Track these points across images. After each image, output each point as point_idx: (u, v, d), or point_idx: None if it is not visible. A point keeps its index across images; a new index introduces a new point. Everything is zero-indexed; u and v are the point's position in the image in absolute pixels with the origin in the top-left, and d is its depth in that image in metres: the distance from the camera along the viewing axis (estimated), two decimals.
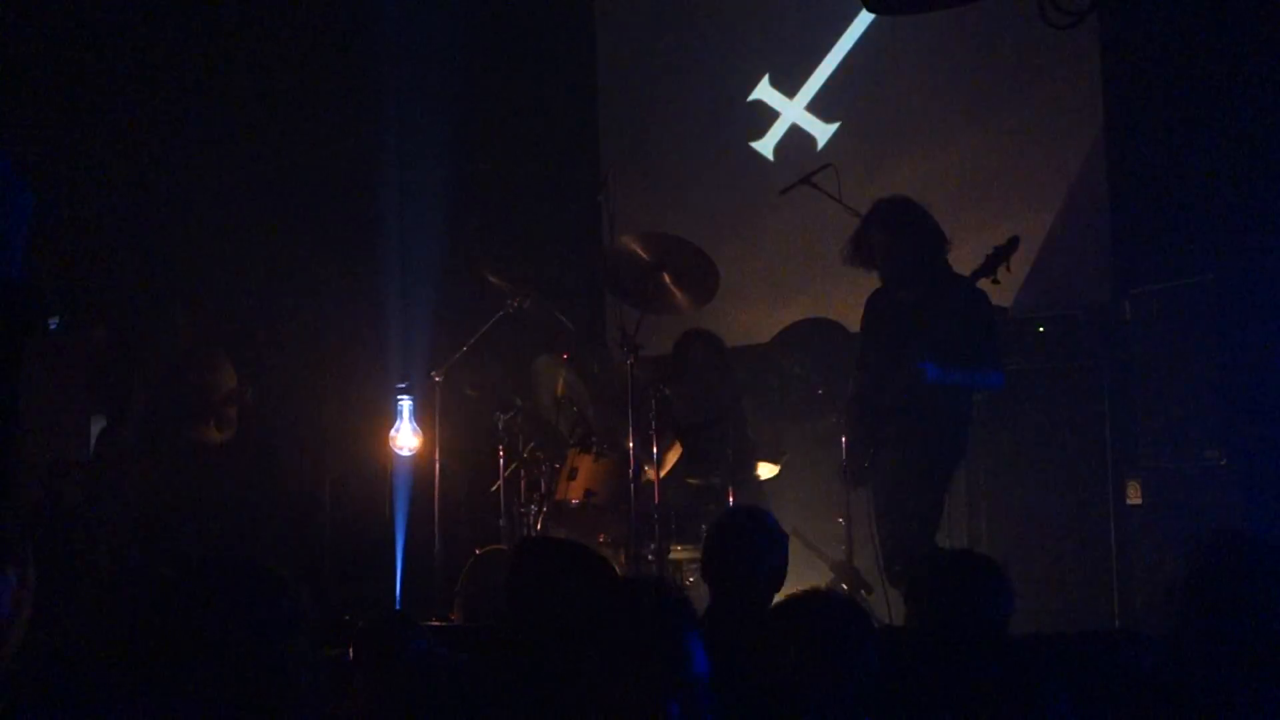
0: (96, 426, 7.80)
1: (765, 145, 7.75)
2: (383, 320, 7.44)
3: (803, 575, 6.39)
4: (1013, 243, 5.17)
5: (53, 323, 8.43)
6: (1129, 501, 6.00)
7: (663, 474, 6.25)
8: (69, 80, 8.13)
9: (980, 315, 5.32)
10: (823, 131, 7.57)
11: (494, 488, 6.61)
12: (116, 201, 8.22)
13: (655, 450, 6.10)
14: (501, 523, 6.55)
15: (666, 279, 6.21)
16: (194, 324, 7.17)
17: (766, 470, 6.41)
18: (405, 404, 6.49)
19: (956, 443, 5.38)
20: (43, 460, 7.00)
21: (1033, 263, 6.78)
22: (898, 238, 5.43)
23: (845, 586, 6.02)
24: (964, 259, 6.30)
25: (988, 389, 5.57)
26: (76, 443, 7.96)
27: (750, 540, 3.82)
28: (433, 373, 6.61)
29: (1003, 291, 6.63)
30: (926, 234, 5.43)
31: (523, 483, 6.56)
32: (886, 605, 5.55)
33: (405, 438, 6.50)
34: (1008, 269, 5.17)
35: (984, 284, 5.23)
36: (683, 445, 6.48)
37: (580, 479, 6.20)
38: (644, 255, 6.20)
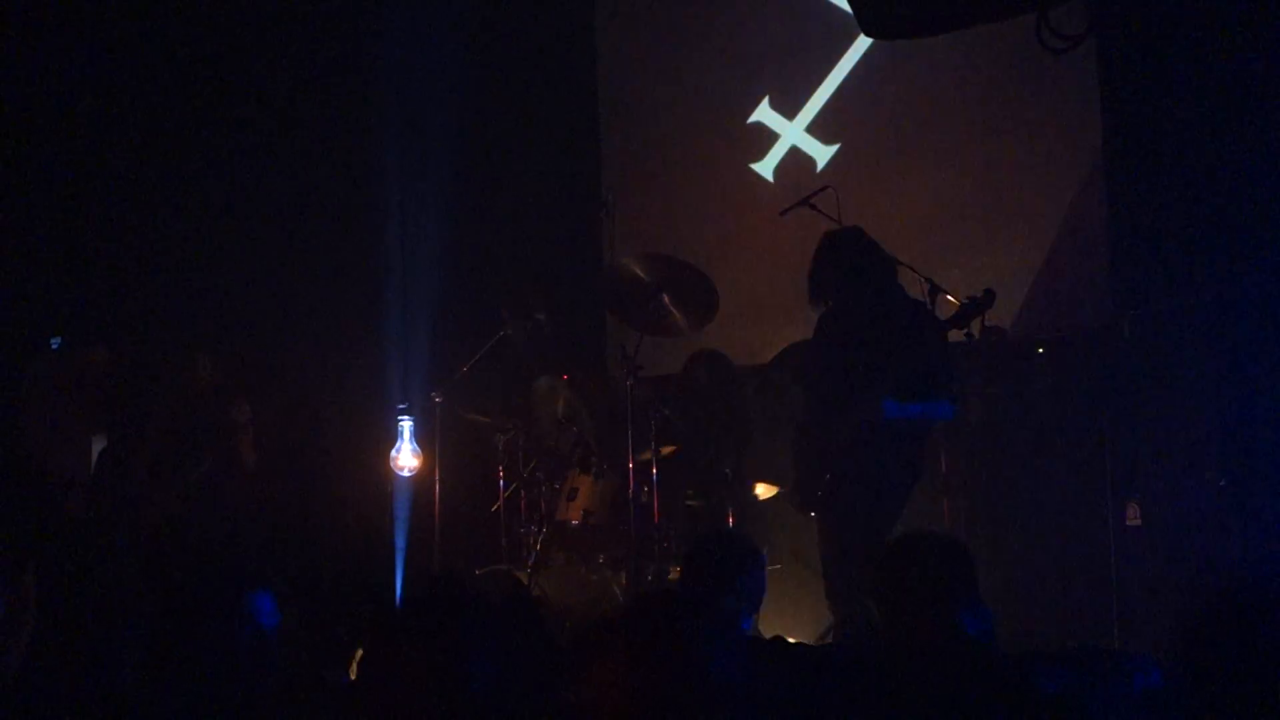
0: (97, 446, 7.82)
1: (765, 167, 7.78)
2: (383, 341, 7.46)
3: (801, 597, 6.42)
4: (989, 296, 5.19)
5: (54, 342, 8.45)
6: (1128, 522, 5.99)
7: (657, 457, 6.21)
8: (74, 104, 8.18)
9: (932, 342, 5.33)
10: (823, 153, 7.59)
11: (494, 508, 6.63)
12: (118, 224, 8.25)
13: (655, 472, 6.11)
14: (502, 543, 6.56)
15: (666, 300, 6.23)
16: (211, 360, 7.21)
17: (766, 491, 6.42)
18: (405, 425, 6.51)
19: (907, 474, 5.39)
20: (44, 477, 7.01)
21: (1031, 284, 6.81)
22: (841, 269, 5.46)
23: None
24: (962, 279, 6.35)
25: (939, 419, 5.56)
26: (77, 460, 7.98)
27: (722, 562, 3.84)
28: (433, 393, 6.63)
29: (1001, 313, 6.68)
30: (872, 263, 5.46)
31: (523, 503, 6.57)
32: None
33: (405, 458, 6.51)
34: (982, 323, 5.18)
35: (954, 333, 5.23)
36: (686, 461, 6.49)
37: (580, 499, 6.22)
38: (644, 276, 6.23)
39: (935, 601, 3.13)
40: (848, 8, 4.70)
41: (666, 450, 6.43)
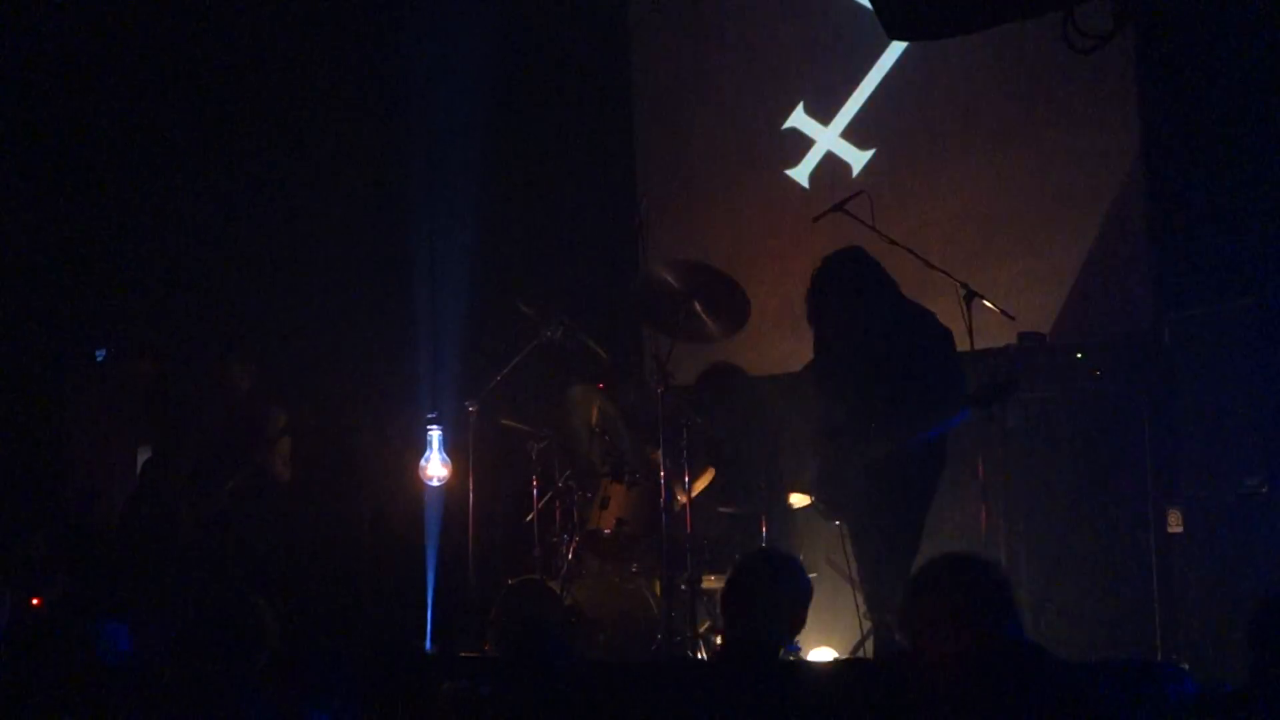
0: (143, 456, 7.90)
1: (800, 173, 7.73)
2: (414, 351, 7.46)
3: (834, 606, 6.35)
4: (1013, 384, 5.08)
5: (99, 354, 8.56)
6: (1170, 530, 5.88)
7: (694, 495, 6.22)
8: (117, 124, 8.29)
9: (946, 352, 5.27)
10: (858, 158, 7.53)
11: (529, 518, 6.61)
12: (158, 238, 8.34)
13: (687, 479, 6.08)
14: (535, 552, 6.54)
15: (698, 307, 6.19)
16: (244, 366, 7.26)
17: (798, 500, 6.36)
18: (435, 434, 6.51)
19: (933, 467, 5.31)
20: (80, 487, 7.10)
21: (1071, 288, 6.72)
22: (842, 290, 5.41)
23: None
24: (999, 284, 6.28)
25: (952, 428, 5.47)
26: (122, 471, 8.07)
27: (772, 585, 3.72)
28: (467, 403, 6.62)
29: (1040, 318, 6.60)
30: (873, 282, 5.39)
31: (557, 512, 6.55)
32: None
33: (435, 468, 6.51)
34: (1001, 407, 5.10)
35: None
36: (716, 472, 6.46)
37: (612, 508, 6.19)
38: (675, 283, 6.19)
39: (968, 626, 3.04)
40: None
41: (703, 479, 6.40)
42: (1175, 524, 5.86)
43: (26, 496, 7.95)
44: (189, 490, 7.04)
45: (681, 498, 6.09)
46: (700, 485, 6.40)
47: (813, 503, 5.67)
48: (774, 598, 3.67)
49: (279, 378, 7.31)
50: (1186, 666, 5.30)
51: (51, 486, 8.15)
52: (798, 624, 3.78)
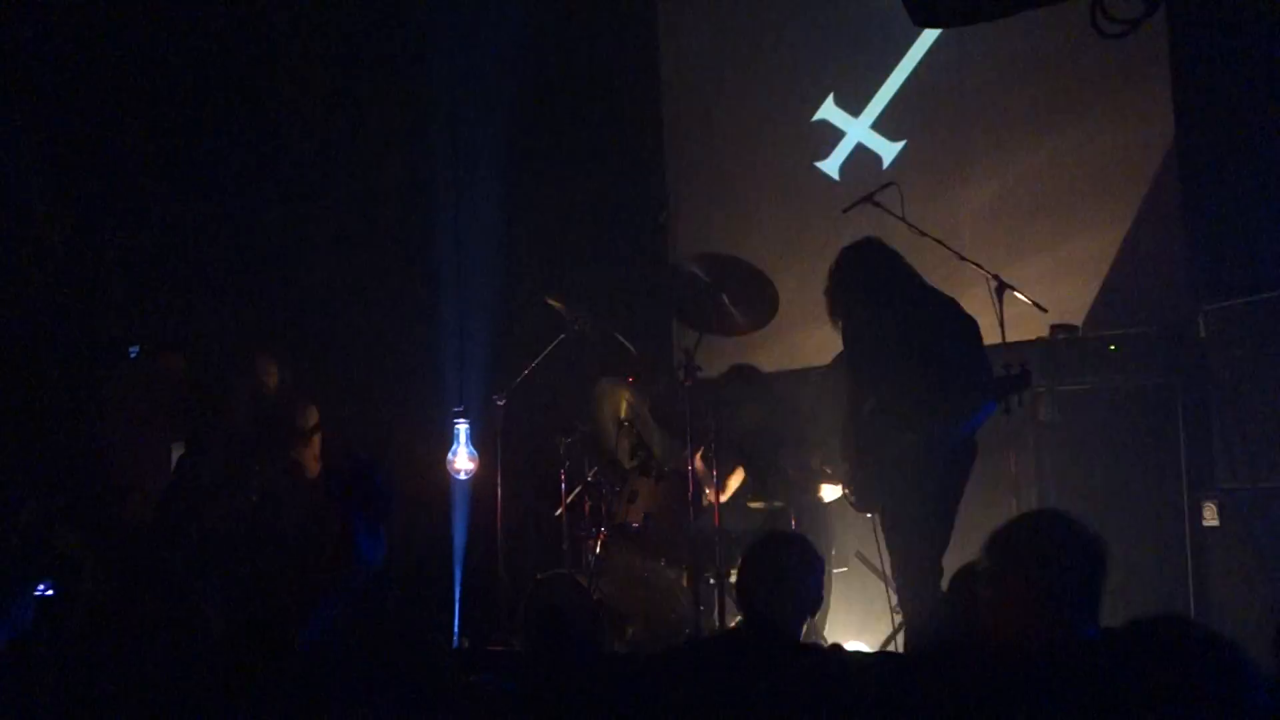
0: (177, 452, 7.93)
1: (830, 165, 7.68)
2: (442, 345, 7.46)
3: (865, 599, 6.31)
4: (1025, 375, 4.99)
5: (132, 350, 8.60)
6: (1205, 523, 5.80)
7: (724, 498, 6.20)
8: (150, 125, 8.35)
9: (970, 340, 5.19)
10: (888, 150, 7.47)
11: (558, 513, 6.59)
12: (190, 237, 8.39)
13: (715, 474, 6.05)
14: (564, 546, 6.53)
15: (725, 300, 6.16)
16: (272, 361, 7.28)
17: (830, 492, 6.31)
18: (462, 428, 6.51)
19: (965, 457, 5.23)
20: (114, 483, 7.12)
21: (1104, 279, 6.65)
22: (862, 282, 5.34)
23: None
24: (1030, 275, 6.21)
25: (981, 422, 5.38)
26: (156, 467, 8.10)
27: (782, 565, 3.75)
28: (495, 396, 6.61)
29: (1073, 309, 6.52)
30: (887, 267, 5.32)
31: (586, 506, 6.53)
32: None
33: (461, 461, 6.51)
34: (1019, 402, 5.02)
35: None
36: (746, 470, 6.43)
37: (640, 502, 6.17)
38: (703, 276, 6.16)
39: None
40: None
41: (734, 478, 6.38)
42: (1210, 517, 5.78)
43: (60, 493, 8.00)
44: (220, 486, 7.07)
45: (712, 497, 6.06)
46: (731, 485, 6.38)
47: (844, 495, 5.63)
48: (782, 571, 3.70)
49: (308, 373, 7.32)
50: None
51: (85, 483, 8.20)
52: (813, 600, 3.80)
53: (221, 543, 6.88)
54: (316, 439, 7.10)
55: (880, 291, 5.30)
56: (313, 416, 7.16)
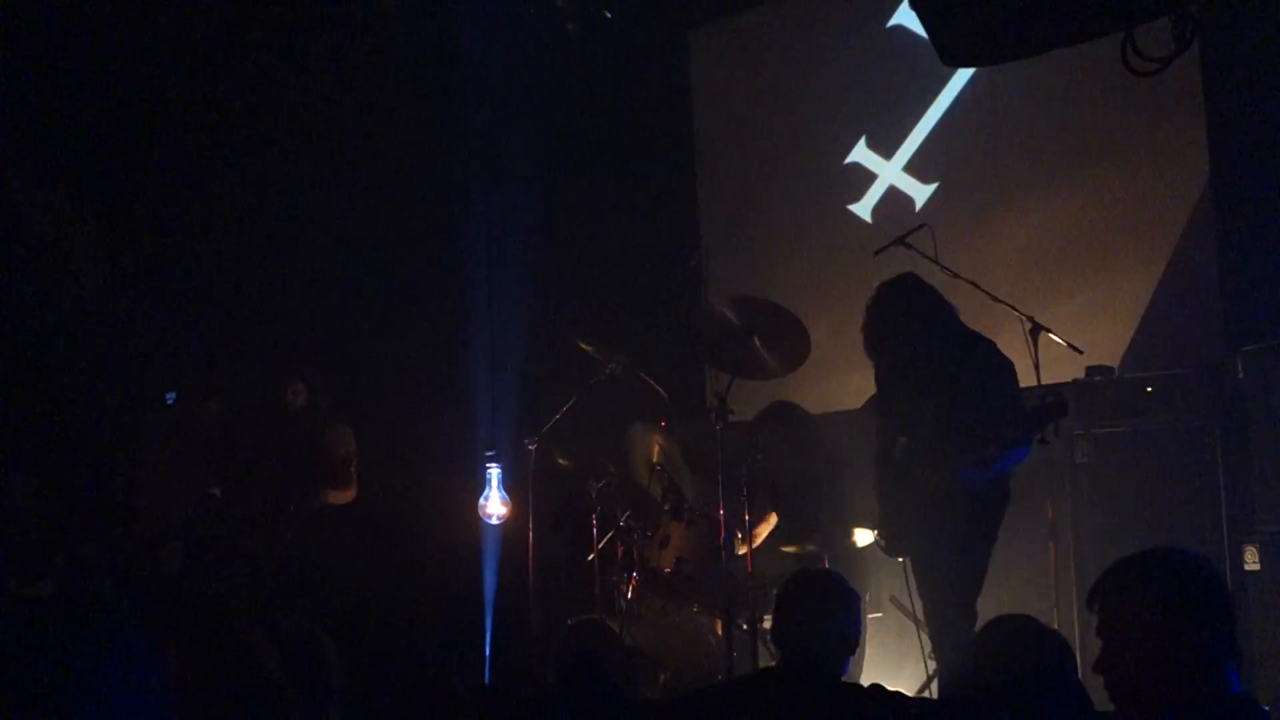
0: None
1: (863, 208, 7.67)
2: (473, 389, 7.46)
3: (900, 644, 6.23)
4: (1062, 405, 4.93)
5: (169, 397, 8.65)
6: (1246, 568, 5.69)
7: (756, 545, 6.15)
8: (188, 170, 8.43)
9: (1005, 382, 5.12)
10: (921, 192, 7.46)
11: (590, 557, 6.56)
12: (228, 280, 8.45)
13: (747, 518, 6.00)
14: (595, 591, 6.50)
15: (757, 343, 6.13)
16: (304, 386, 7.28)
17: (863, 537, 6.26)
18: (494, 472, 6.50)
19: (998, 499, 5.15)
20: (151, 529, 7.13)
21: (1140, 320, 6.58)
22: (898, 321, 5.31)
23: None
24: (1066, 317, 6.16)
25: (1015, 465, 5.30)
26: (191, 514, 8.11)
27: (818, 603, 3.71)
28: (526, 440, 6.60)
29: (1109, 351, 6.46)
30: (925, 304, 5.28)
31: (618, 551, 6.49)
32: None
33: (494, 505, 6.49)
34: (1055, 432, 4.95)
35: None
36: (778, 515, 6.39)
37: (672, 547, 6.13)
38: (735, 320, 6.13)
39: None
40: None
41: (765, 525, 6.34)
42: (1251, 561, 5.68)
43: (99, 539, 8.03)
44: (255, 521, 7.06)
45: (742, 548, 6.01)
46: (763, 532, 6.33)
47: (876, 540, 5.57)
48: (820, 607, 3.66)
49: (339, 411, 7.31)
50: (1268, 709, 5.12)
51: (123, 528, 8.23)
52: (853, 636, 3.75)
53: (263, 589, 6.87)
54: (356, 462, 7.07)
55: (917, 328, 5.27)
56: (350, 438, 7.13)
